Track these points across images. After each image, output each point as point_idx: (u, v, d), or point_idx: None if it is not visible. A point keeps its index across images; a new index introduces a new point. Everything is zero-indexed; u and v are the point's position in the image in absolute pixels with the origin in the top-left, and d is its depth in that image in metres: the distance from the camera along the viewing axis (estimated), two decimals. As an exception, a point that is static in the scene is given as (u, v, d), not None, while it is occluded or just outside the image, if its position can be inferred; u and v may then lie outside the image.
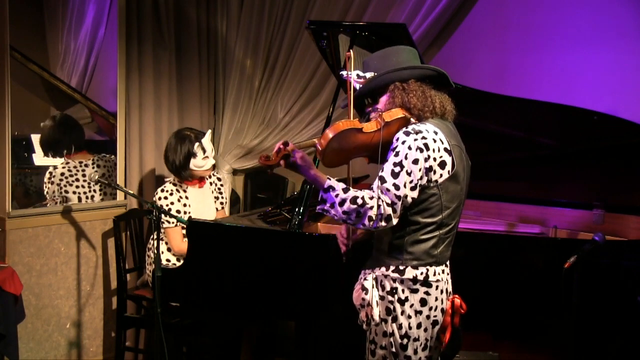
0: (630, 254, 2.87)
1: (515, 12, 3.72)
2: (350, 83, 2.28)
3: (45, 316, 3.74)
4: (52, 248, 3.76)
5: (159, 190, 3.57)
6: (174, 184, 3.60)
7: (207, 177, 3.74)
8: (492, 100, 3.14)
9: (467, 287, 2.37)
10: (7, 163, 3.52)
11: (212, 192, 3.76)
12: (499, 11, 3.76)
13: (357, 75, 2.26)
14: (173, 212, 3.49)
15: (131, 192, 3.48)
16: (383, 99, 2.24)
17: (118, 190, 4.07)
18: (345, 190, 2.07)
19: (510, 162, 3.40)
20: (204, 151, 3.56)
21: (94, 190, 4.04)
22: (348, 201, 2.05)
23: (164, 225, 3.47)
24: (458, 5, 3.69)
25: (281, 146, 2.14)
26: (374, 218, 2.03)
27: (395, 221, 2.07)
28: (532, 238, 3.21)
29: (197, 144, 3.55)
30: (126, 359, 3.93)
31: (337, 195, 2.07)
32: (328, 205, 2.08)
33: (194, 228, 3.03)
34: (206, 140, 3.59)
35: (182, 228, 3.50)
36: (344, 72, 2.30)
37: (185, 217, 3.50)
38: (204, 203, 3.70)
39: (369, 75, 2.24)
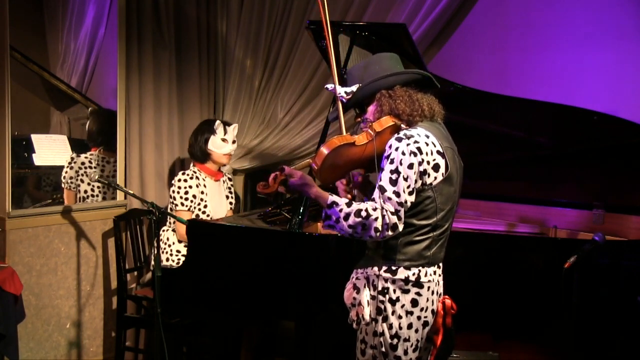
0: (630, 254, 2.87)
1: (515, 12, 3.73)
2: (337, 97, 2.27)
3: (45, 316, 3.74)
4: (52, 248, 3.75)
5: (180, 173, 3.67)
6: (194, 171, 3.69)
7: (223, 172, 3.85)
8: (492, 100, 3.13)
9: (467, 287, 2.38)
10: (7, 163, 3.51)
11: (225, 189, 3.85)
12: (499, 11, 3.77)
13: (345, 92, 2.25)
14: (189, 197, 3.60)
15: (131, 192, 3.49)
16: (371, 109, 2.24)
17: (118, 190, 4.07)
18: (349, 205, 2.08)
19: (510, 162, 3.40)
20: (225, 132, 3.69)
21: (107, 187, 4.06)
22: (352, 215, 2.05)
23: (177, 208, 3.58)
24: (458, 5, 3.68)
25: (277, 173, 2.14)
26: (380, 229, 2.04)
27: (401, 227, 2.08)
28: (532, 238, 3.21)
29: (218, 121, 3.70)
30: (126, 359, 3.93)
31: (341, 210, 2.08)
32: (333, 220, 2.09)
33: (194, 228, 3.03)
34: (231, 128, 3.73)
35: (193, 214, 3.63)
36: (329, 86, 2.29)
37: (202, 205, 3.64)
38: (219, 197, 3.78)
39: (354, 87, 2.24)
